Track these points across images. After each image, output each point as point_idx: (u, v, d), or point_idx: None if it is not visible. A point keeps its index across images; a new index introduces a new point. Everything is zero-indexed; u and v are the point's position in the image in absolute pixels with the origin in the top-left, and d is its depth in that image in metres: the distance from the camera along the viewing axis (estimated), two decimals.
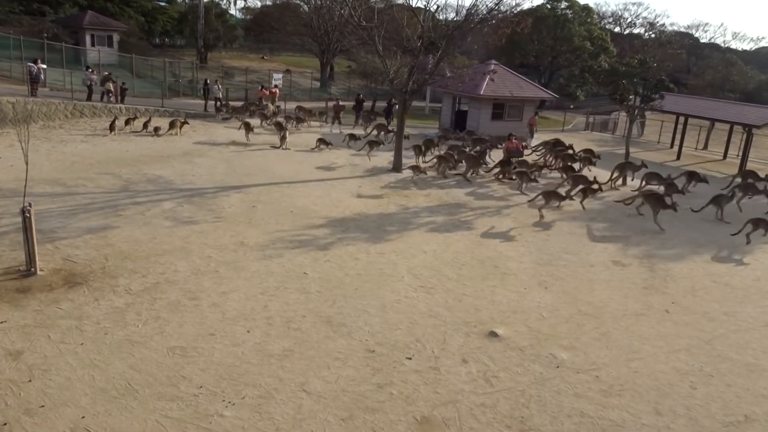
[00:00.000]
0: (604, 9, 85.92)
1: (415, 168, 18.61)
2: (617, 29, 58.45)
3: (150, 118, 22.75)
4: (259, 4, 57.40)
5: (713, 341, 9.05)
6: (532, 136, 27.42)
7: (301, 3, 46.50)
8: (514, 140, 21.39)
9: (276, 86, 32.10)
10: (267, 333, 8.30)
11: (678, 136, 27.89)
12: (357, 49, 24.80)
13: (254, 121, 25.57)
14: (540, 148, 22.86)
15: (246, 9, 60.12)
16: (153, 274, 9.96)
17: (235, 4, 56.67)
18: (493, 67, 25.25)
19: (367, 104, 32.49)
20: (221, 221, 12.96)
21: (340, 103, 29.39)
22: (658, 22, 61.60)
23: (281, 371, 7.39)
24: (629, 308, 10.04)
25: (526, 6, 52.12)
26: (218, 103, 27.91)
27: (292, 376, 7.29)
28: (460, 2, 67.44)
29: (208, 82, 28.96)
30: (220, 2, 51.21)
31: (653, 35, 57.46)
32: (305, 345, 8.06)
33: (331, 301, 9.43)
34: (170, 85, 32.75)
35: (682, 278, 11.57)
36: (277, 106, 28.95)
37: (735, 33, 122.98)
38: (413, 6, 20.70)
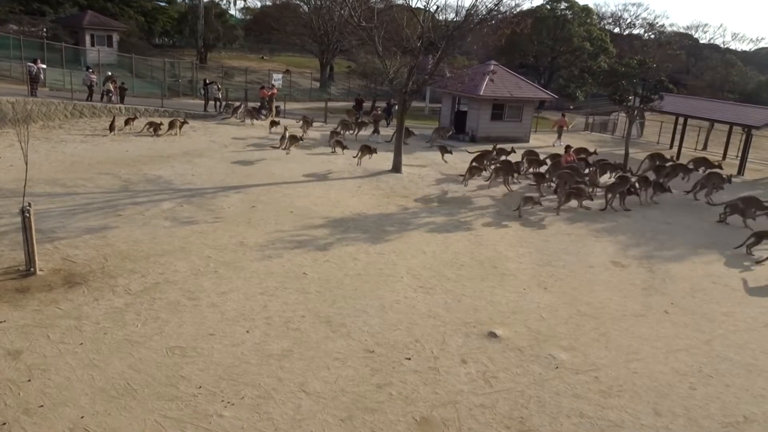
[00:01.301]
0: (603, 10, 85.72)
1: (529, 199, 15.32)
2: (617, 30, 58.45)
3: (161, 122, 22.27)
4: (259, 4, 57.52)
5: (712, 342, 9.06)
6: (559, 138, 27.09)
7: (301, 3, 46.54)
8: (571, 152, 19.77)
9: (273, 86, 32.13)
10: (266, 333, 8.30)
11: (677, 137, 27.92)
12: (357, 50, 24.74)
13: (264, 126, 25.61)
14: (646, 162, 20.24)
15: (246, 9, 60.20)
16: (152, 274, 9.96)
17: (235, 4, 56.58)
18: (492, 67, 25.22)
19: (367, 105, 32.50)
20: (221, 221, 12.96)
21: (379, 111, 29.09)
22: (657, 22, 61.77)
23: (280, 371, 7.39)
24: (628, 309, 10.04)
25: (525, 6, 52.31)
26: (218, 103, 27.91)
27: (291, 377, 7.29)
28: (459, 3, 67.53)
29: (208, 82, 28.96)
30: (220, 2, 51.26)
31: (653, 36, 57.64)
32: (304, 345, 8.07)
33: (330, 302, 9.44)
34: (170, 86, 32.73)
35: (681, 279, 11.58)
36: (277, 107, 28.93)
37: (734, 34, 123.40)
38: (413, 6, 20.71)
